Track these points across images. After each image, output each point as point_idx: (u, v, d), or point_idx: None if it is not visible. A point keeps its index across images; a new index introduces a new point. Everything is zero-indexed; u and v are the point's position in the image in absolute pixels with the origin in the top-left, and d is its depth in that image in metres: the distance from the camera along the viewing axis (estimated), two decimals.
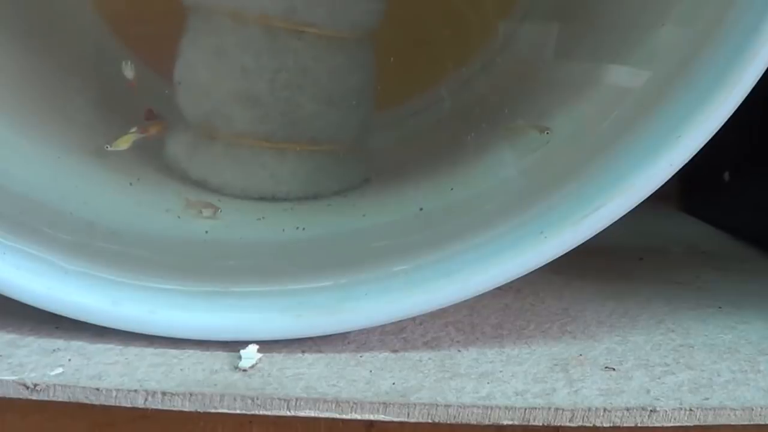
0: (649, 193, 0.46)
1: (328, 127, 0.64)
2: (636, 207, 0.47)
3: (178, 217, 0.59)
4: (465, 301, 0.47)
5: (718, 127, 0.46)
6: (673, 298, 0.58)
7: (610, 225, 0.47)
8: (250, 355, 0.46)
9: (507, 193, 0.52)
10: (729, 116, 0.46)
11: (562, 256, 0.47)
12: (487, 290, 0.47)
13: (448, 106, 0.75)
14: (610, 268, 0.63)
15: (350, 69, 0.64)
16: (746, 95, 0.46)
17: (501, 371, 0.45)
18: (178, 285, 0.49)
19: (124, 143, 0.58)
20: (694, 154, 0.46)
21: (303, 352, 0.47)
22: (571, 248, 0.46)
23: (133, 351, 0.47)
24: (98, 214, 0.53)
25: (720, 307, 0.56)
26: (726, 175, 0.74)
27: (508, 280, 0.47)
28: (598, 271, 0.62)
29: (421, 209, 0.56)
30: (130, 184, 0.61)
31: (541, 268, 0.47)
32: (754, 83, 0.46)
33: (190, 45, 0.64)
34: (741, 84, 0.45)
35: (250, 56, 0.62)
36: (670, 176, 0.47)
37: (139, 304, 0.48)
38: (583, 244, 0.46)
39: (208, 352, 0.47)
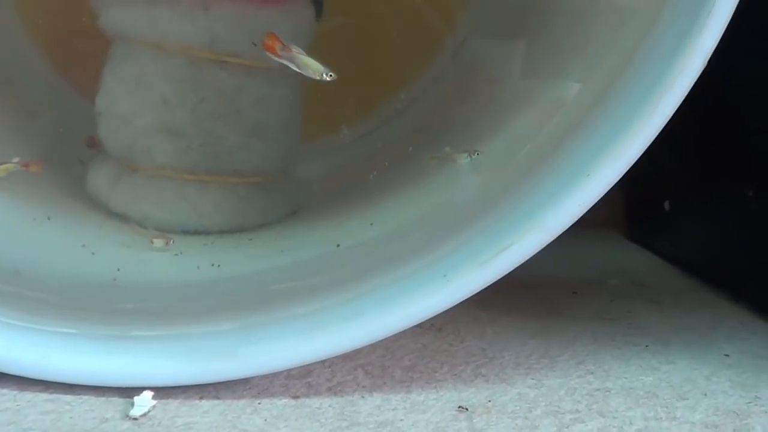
0: (559, 233, 0.45)
1: (252, 158, 0.62)
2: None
3: (93, 253, 0.57)
4: (381, 341, 0.45)
5: (629, 166, 0.45)
6: (600, 335, 0.56)
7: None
8: (144, 402, 0.44)
9: (415, 231, 0.50)
10: (639, 155, 0.44)
11: (489, 289, 0.45)
12: (389, 335, 0.45)
13: (381, 136, 0.73)
14: (540, 303, 0.62)
15: (276, 99, 0.63)
16: (660, 129, 0.45)
17: (402, 420, 0.44)
18: (76, 329, 0.48)
19: (1, 171, 0.56)
20: (604, 192, 0.44)
21: (201, 398, 0.46)
22: (478, 290, 0.45)
23: (26, 397, 0.45)
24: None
25: (647, 346, 0.55)
26: (666, 204, 0.73)
27: (411, 325, 0.45)
28: (526, 306, 0.61)
29: (338, 246, 0.54)
30: (48, 218, 0.59)
31: (466, 302, 0.45)
32: (666, 122, 0.44)
33: (112, 74, 0.63)
34: (651, 123, 0.44)
35: (171, 87, 0.61)
36: (581, 214, 0.45)
37: (34, 348, 0.46)
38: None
39: (102, 398, 0.45)
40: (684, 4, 0.45)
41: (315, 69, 0.49)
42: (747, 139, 0.60)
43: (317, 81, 0.49)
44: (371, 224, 0.57)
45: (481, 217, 0.47)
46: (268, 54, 0.49)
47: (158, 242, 0.59)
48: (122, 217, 0.63)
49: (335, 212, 0.61)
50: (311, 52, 0.63)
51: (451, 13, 0.77)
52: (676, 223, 0.73)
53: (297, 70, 0.49)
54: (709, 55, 0.44)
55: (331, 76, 0.49)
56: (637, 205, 0.73)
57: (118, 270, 0.54)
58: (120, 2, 0.62)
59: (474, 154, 0.54)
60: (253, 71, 0.62)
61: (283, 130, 0.63)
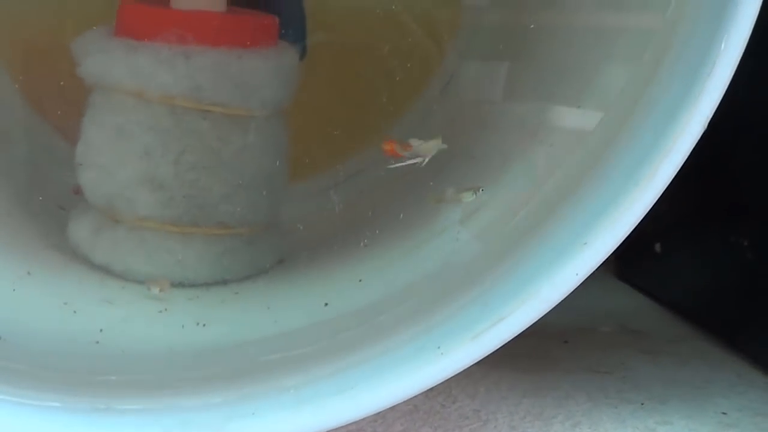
0: (556, 303, 0.43)
1: (237, 209, 0.61)
2: None
3: (74, 311, 0.55)
4: None
5: (627, 234, 0.43)
6: (594, 391, 0.55)
7: None
8: None
9: (406, 299, 0.49)
10: (639, 221, 0.43)
11: None
12: (381, 409, 0.43)
13: (369, 177, 0.72)
14: (532, 354, 0.61)
15: (260, 148, 0.61)
16: (659, 195, 0.43)
17: None
18: (59, 401, 0.46)
19: None
20: (602, 260, 0.43)
21: None
22: (471, 364, 0.43)
23: None
24: None
25: (642, 403, 0.54)
26: (657, 247, 0.72)
27: (404, 399, 0.43)
28: (518, 358, 0.59)
29: (326, 304, 0.53)
30: (29, 273, 0.58)
31: None
32: (665, 187, 0.43)
33: (92, 124, 0.61)
34: (649, 190, 0.43)
35: (153, 137, 0.60)
36: (578, 284, 0.43)
37: (13, 420, 0.45)
38: None
39: None
40: (682, 67, 0.43)
41: (433, 148, 0.48)
42: (744, 187, 0.59)
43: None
44: (360, 281, 0.55)
45: (474, 286, 0.45)
46: (390, 157, 0.48)
47: (154, 287, 0.57)
48: (105, 270, 0.61)
49: (322, 263, 0.60)
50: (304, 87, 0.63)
51: (440, 45, 0.76)
52: (667, 265, 0.72)
53: (423, 159, 0.49)
54: (709, 119, 0.43)
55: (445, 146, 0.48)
56: (627, 245, 0.72)
57: (101, 331, 0.53)
58: (100, 50, 0.60)
59: (478, 191, 0.52)
60: (236, 120, 0.60)
61: (267, 178, 0.62)
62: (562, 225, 0.44)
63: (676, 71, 0.44)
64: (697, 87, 0.43)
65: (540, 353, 0.61)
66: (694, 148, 0.43)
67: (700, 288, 0.68)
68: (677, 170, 0.43)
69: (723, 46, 0.42)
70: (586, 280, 0.44)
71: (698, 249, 0.67)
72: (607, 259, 0.46)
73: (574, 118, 0.51)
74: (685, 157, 0.43)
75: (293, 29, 0.68)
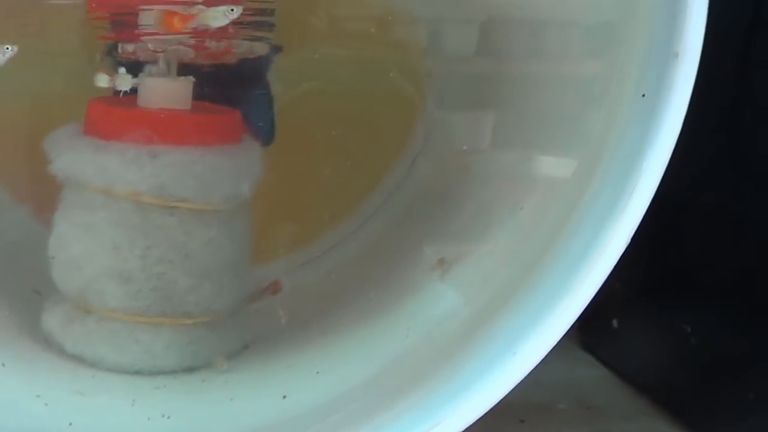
0: (487, 410, 0.46)
1: (202, 299, 0.63)
2: None
3: (46, 404, 0.57)
4: None
5: (557, 341, 0.45)
6: None
7: None
8: None
9: (354, 400, 0.51)
10: (568, 328, 0.45)
11: None
12: None
13: (339, 256, 0.74)
14: None
15: (224, 239, 0.64)
16: (587, 302, 0.46)
17: None
18: None
19: None
20: (532, 368, 0.45)
21: None
22: None
23: None
24: None
25: None
26: (615, 322, 0.74)
27: None
28: None
29: (284, 397, 0.55)
30: (3, 364, 0.60)
31: None
32: (592, 294, 0.45)
33: (63, 219, 0.64)
34: (577, 299, 0.45)
35: (121, 232, 0.62)
36: (508, 391, 0.46)
37: None
38: None
39: None
40: (610, 178, 0.46)
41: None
42: (688, 274, 0.62)
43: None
44: (317, 372, 0.57)
45: (418, 388, 0.47)
46: None
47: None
48: (77, 359, 0.63)
49: (284, 351, 0.62)
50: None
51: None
52: (623, 341, 0.74)
53: None
54: (634, 230, 0.45)
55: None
56: (588, 317, 0.74)
57: (70, 425, 0.55)
58: (69, 149, 0.63)
59: (443, 265, 0.54)
60: (201, 215, 0.63)
61: (232, 268, 0.64)
62: (492, 336, 0.46)
63: (605, 182, 0.46)
64: (623, 198, 0.45)
65: None
66: (644, 232, 0.45)
67: (654, 366, 0.70)
68: (605, 277, 0.45)
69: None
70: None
71: (649, 329, 0.69)
72: (570, 329, 0.48)
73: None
74: (612, 266, 0.45)
75: (261, 118, 0.71)
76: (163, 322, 0.63)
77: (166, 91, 0.63)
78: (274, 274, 0.73)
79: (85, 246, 0.63)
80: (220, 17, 0.56)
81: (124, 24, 0.63)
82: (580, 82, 0.58)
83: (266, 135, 0.72)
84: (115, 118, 0.63)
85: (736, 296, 0.62)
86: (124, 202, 0.62)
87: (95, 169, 0.62)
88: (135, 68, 0.63)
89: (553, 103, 0.61)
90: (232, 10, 0.56)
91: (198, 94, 0.65)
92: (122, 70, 0.62)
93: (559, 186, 0.54)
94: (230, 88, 0.70)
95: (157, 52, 0.63)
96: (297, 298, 0.71)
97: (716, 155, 0.60)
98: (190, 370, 0.64)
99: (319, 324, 0.63)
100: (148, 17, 0.61)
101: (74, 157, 0.63)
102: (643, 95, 0.46)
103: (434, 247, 0.63)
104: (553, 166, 0.57)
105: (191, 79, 0.64)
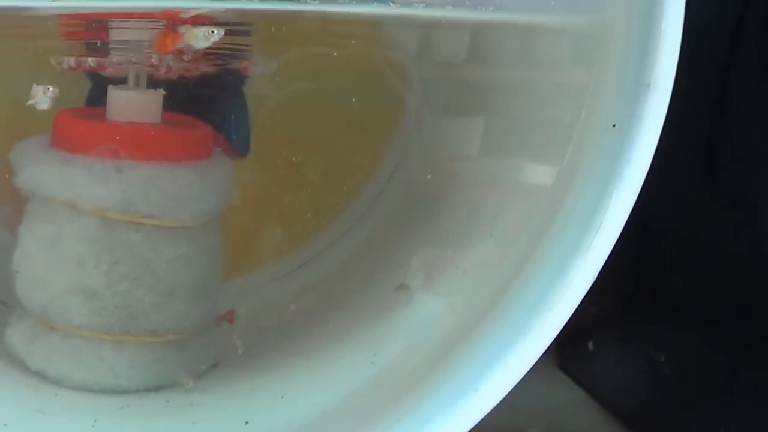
0: None
1: (168, 318, 0.62)
2: None
3: (5, 424, 0.56)
4: None
5: (519, 379, 0.45)
6: None
7: None
8: None
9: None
10: (530, 367, 0.45)
11: None
12: None
13: (315, 270, 0.73)
14: None
15: (193, 257, 0.63)
16: (550, 341, 0.45)
17: None
18: None
19: None
20: (492, 407, 0.45)
21: None
22: None
23: None
24: None
25: None
26: (590, 345, 0.73)
27: None
28: None
29: (246, 423, 0.54)
30: None
31: None
32: (557, 331, 0.44)
33: (27, 233, 0.63)
34: (539, 337, 0.44)
35: (86, 247, 0.61)
36: (471, 427, 0.45)
37: None
38: None
39: None
40: (575, 218, 0.45)
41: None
42: (664, 300, 0.61)
43: None
44: (282, 397, 0.56)
45: (379, 421, 0.47)
46: None
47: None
48: (40, 376, 0.62)
49: (249, 373, 0.61)
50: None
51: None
52: (599, 364, 0.73)
53: None
54: (598, 271, 0.44)
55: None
56: (565, 338, 0.73)
57: None
58: (35, 162, 0.61)
59: (403, 291, 0.54)
60: (168, 232, 0.62)
61: (200, 286, 0.63)
62: (453, 373, 0.45)
63: (570, 222, 0.45)
64: (588, 238, 0.44)
65: None
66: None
67: (628, 391, 0.69)
68: (570, 315, 0.44)
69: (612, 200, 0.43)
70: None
71: (624, 354, 0.68)
72: (547, 349, 0.47)
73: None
74: (576, 304, 0.44)
75: (236, 130, 0.69)
76: (128, 341, 0.62)
77: (135, 105, 0.62)
78: (252, 288, 0.71)
79: (49, 261, 0.62)
80: (201, 39, 0.54)
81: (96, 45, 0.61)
82: (569, 90, 0.57)
83: (242, 147, 0.71)
84: (82, 131, 0.62)
85: (712, 323, 0.61)
86: (89, 217, 0.61)
87: (60, 182, 0.61)
88: (103, 82, 0.62)
89: (541, 111, 0.59)
90: (213, 32, 0.55)
91: (169, 106, 0.63)
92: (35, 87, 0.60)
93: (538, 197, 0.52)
94: (204, 99, 0.68)
95: (134, 63, 0.61)
96: (267, 317, 0.70)
97: (693, 182, 0.59)
98: (156, 389, 0.63)
99: (287, 345, 0.62)
100: (119, 35, 0.59)
101: (39, 171, 0.62)
102: (614, 125, 0.45)
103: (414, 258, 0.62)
104: (536, 174, 0.56)
105: (161, 92, 0.62)
